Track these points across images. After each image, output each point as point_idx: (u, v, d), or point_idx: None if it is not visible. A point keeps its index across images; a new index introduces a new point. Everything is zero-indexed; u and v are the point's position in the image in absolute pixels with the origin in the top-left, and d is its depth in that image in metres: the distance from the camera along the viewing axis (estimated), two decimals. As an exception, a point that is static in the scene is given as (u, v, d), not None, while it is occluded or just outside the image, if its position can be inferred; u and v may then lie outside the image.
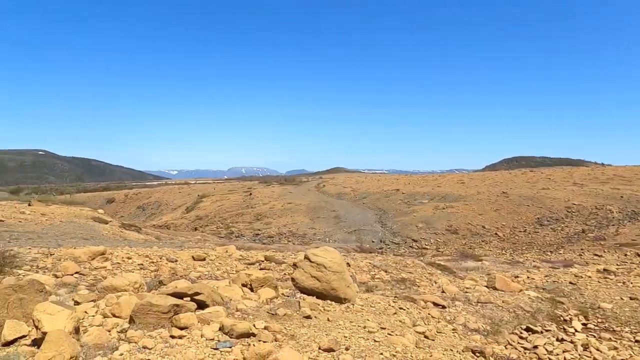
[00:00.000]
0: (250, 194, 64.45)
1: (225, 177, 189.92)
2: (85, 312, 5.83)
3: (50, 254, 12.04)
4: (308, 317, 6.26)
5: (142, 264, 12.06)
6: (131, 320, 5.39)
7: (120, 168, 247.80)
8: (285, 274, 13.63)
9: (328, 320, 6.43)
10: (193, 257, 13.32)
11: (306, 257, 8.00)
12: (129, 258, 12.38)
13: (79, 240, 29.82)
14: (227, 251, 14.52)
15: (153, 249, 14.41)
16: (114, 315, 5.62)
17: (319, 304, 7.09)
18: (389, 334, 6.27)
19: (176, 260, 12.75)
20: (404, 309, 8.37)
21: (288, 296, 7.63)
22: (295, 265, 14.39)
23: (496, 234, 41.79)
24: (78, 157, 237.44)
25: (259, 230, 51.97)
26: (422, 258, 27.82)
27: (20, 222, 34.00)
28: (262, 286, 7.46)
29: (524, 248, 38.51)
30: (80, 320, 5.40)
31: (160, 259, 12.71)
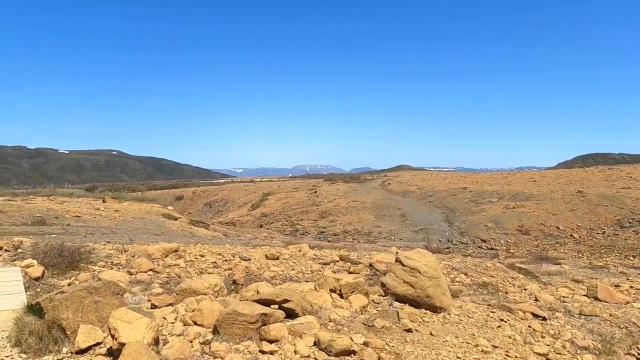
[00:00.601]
0: (315, 191, 64.07)
1: (290, 175, 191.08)
2: (164, 318, 5.23)
3: (125, 250, 11.77)
4: (409, 330, 5.41)
5: (215, 262, 11.57)
6: (215, 330, 4.72)
7: (188, 166, 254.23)
8: (363, 275, 12.80)
9: (431, 334, 5.54)
10: (266, 255, 12.73)
11: (398, 261, 7.10)
12: (201, 256, 11.92)
13: (150, 235, 30.19)
14: (300, 250, 13.86)
15: (225, 247, 13.94)
16: (196, 324, 4.98)
17: (417, 314, 6.19)
18: (507, 356, 5.31)
19: (249, 259, 12.19)
20: (506, 321, 7.32)
21: (377, 303, 6.78)
22: (371, 266, 13.54)
23: (572, 235, 39.23)
24: (148, 156, 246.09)
25: (323, 227, 51.45)
26: (498, 260, 26.27)
27: (95, 217, 34.97)
28: (352, 292, 6.65)
29: (602, 251, 35.88)
30: (160, 328, 4.80)
31: (233, 257, 12.19)
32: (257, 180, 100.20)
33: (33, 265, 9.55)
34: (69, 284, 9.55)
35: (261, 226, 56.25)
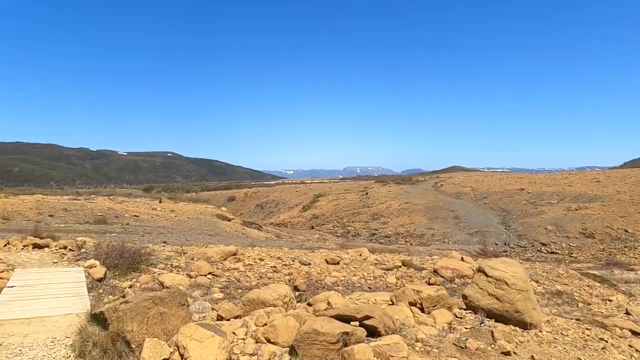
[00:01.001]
0: (367, 193, 63.28)
1: (340, 176, 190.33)
2: (234, 333, 4.75)
3: (184, 252, 11.52)
4: (506, 353, 4.73)
5: (274, 267, 11.15)
6: (292, 351, 4.20)
7: (240, 168, 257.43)
8: (428, 282, 12.10)
9: (532, 358, 4.82)
10: (326, 260, 12.22)
11: (481, 271, 6.40)
12: (260, 259, 11.53)
13: (204, 236, 30.30)
14: (360, 254, 13.27)
15: (284, 251, 13.52)
16: (269, 341, 4.49)
17: (510, 333, 5.48)
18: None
19: (309, 264, 11.72)
20: (606, 341, 6.49)
21: (460, 318, 6.11)
22: (436, 272, 12.81)
23: (642, 238, 36.87)
24: (202, 158, 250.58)
25: (375, 229, 50.67)
26: (564, 265, 24.83)
27: (152, 217, 35.49)
28: (434, 306, 6.01)
29: (677, 256, 33.64)
30: (232, 345, 4.33)
31: (293, 261, 11.74)
32: (308, 181, 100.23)
33: (95, 266, 9.39)
34: (130, 286, 9.34)
35: (312, 228, 55.92)
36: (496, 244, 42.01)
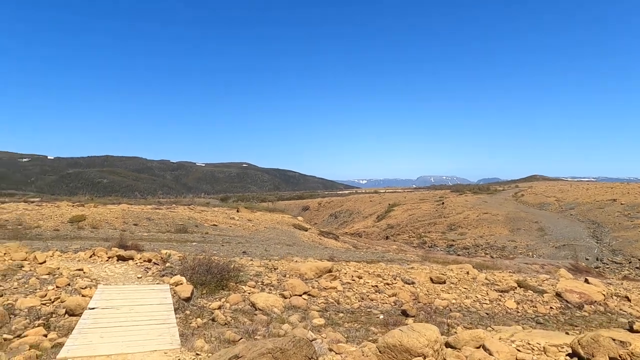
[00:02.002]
0: (443, 203, 60.62)
1: (414, 185, 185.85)
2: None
3: (274, 268, 10.31)
4: None
5: (376, 286, 9.70)
6: None
7: (313, 178, 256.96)
8: (551, 308, 10.21)
9: None
10: (431, 278, 10.61)
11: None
12: (359, 277, 10.11)
13: (282, 246, 29.33)
14: (467, 273, 11.54)
15: (379, 266, 12.00)
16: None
17: None
18: None
19: (413, 282, 10.18)
20: None
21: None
22: (559, 296, 10.86)
23: None
24: (275, 168, 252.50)
25: (452, 240, 48.11)
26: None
27: (230, 227, 35.09)
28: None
29: None
30: None
31: (395, 279, 10.25)
32: (382, 191, 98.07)
33: (182, 283, 8.32)
34: (219, 307, 8.19)
35: (387, 238, 54.13)
36: (587, 259, 38.51)
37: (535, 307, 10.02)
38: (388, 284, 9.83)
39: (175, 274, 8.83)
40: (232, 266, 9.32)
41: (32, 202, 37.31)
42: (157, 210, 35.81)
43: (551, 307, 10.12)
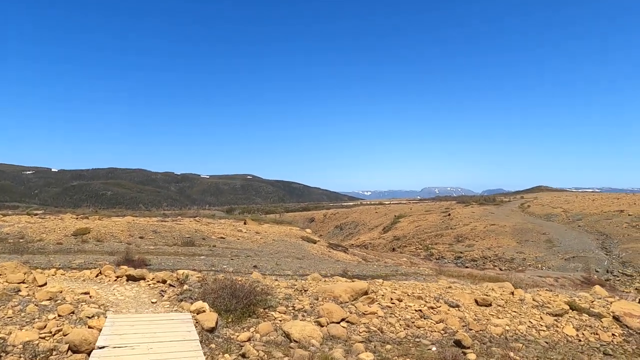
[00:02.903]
0: (449, 214, 59.35)
1: (419, 197, 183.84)
2: None
3: (304, 290, 9.01)
4: None
5: (420, 310, 8.41)
6: None
7: (317, 189, 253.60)
8: (614, 335, 8.93)
9: None
10: (476, 300, 9.32)
11: None
12: (399, 300, 8.81)
13: (293, 259, 28.05)
14: (512, 293, 10.25)
15: (418, 286, 10.68)
16: None
17: None
18: None
19: (458, 306, 8.89)
20: None
21: None
22: (617, 320, 9.58)
23: None
24: (280, 180, 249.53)
25: (460, 252, 46.77)
26: None
27: (238, 239, 33.79)
28: None
29: None
30: None
31: (437, 302, 8.96)
32: (387, 202, 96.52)
33: (204, 311, 7.03)
34: (249, 339, 6.86)
35: (393, 249, 52.83)
36: (597, 271, 37.26)
37: (597, 334, 8.73)
38: (432, 308, 8.54)
39: (196, 298, 7.55)
40: (259, 289, 8.03)
41: (35, 214, 36.03)
42: (162, 223, 34.58)
43: (613, 334, 8.82)
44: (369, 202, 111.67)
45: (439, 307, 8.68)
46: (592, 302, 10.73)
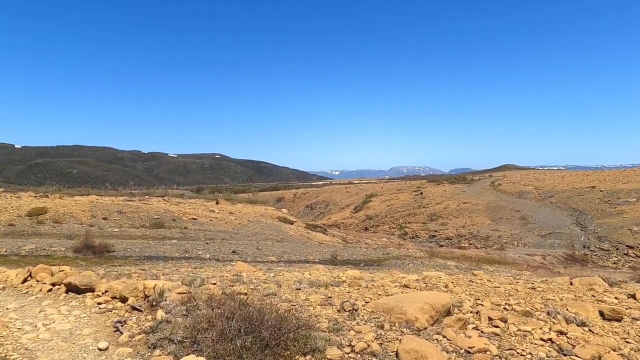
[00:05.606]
0: (421, 193, 56.73)
1: (387, 176, 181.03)
2: None
3: (354, 310, 5.33)
4: None
5: (550, 340, 4.98)
6: None
7: (286, 169, 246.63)
8: None
9: None
10: (601, 313, 6.01)
11: None
12: (502, 321, 5.38)
13: (273, 242, 24.41)
14: (635, 296, 7.00)
15: (506, 289, 7.21)
16: None
17: None
18: None
19: (584, 324, 5.56)
20: None
21: None
22: None
23: None
24: (248, 159, 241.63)
25: (434, 231, 44.34)
26: None
27: (211, 220, 29.93)
28: None
29: None
30: None
31: (554, 318, 5.58)
32: (356, 182, 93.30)
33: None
34: None
35: (366, 229, 49.98)
36: (574, 247, 35.68)
37: None
38: (562, 334, 5.10)
39: (180, 342, 3.90)
40: (292, 321, 4.35)
41: (-11, 192, 31.30)
42: (129, 203, 30.40)
43: None
44: (338, 182, 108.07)
45: (568, 329, 5.29)
46: None
